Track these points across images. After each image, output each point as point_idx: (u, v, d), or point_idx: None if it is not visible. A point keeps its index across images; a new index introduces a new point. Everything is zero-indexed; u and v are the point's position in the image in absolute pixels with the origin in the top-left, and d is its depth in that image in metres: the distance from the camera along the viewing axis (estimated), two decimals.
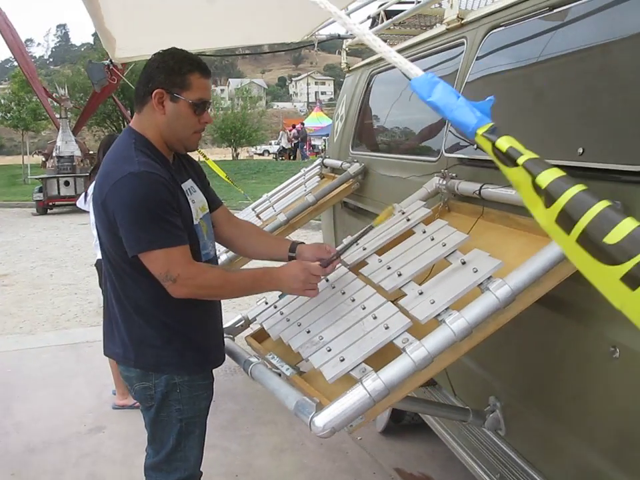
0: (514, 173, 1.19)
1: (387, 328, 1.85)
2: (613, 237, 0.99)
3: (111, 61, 5.29)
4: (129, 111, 21.97)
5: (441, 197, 2.74)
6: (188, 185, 2.29)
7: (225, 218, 2.52)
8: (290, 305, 2.44)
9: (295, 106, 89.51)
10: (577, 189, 1.08)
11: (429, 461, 3.66)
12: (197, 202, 2.29)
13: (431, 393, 3.50)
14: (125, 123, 22.59)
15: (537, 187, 1.13)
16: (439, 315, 1.76)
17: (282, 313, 2.43)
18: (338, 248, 2.37)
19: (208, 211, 2.38)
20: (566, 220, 1.08)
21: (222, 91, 77.15)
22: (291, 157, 31.33)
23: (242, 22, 4.00)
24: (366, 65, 4.54)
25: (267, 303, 2.59)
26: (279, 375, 2.23)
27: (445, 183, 2.67)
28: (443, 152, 2.81)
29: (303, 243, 2.43)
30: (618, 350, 1.75)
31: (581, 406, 2.02)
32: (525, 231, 2.16)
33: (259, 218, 4.45)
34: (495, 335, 2.47)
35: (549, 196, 1.11)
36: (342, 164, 4.39)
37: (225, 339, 2.52)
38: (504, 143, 1.21)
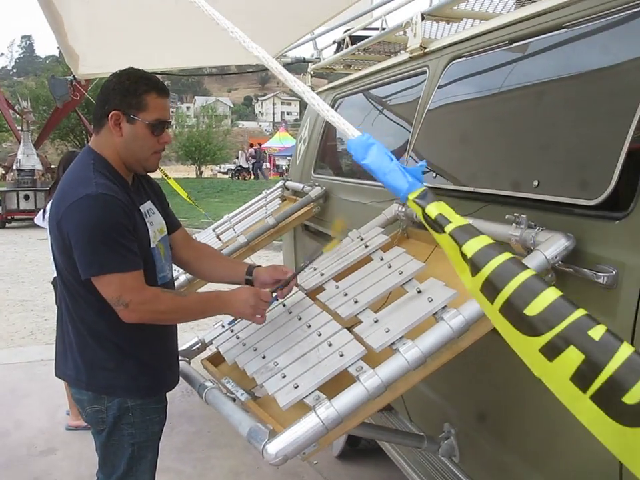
0: (442, 239, 1.20)
1: (341, 355, 1.85)
2: (534, 308, 1.02)
3: (74, 76, 5.24)
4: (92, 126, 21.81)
5: (400, 223, 2.76)
6: (147, 206, 2.27)
7: (183, 240, 2.50)
8: (246, 330, 2.42)
9: (260, 125, 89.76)
10: (502, 258, 1.09)
11: None
12: (155, 224, 2.27)
13: (387, 417, 3.50)
14: (88, 138, 22.42)
15: (463, 256, 1.15)
16: (393, 343, 1.77)
17: (238, 337, 2.41)
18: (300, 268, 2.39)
19: (166, 233, 2.36)
20: (490, 289, 1.09)
21: (188, 108, 77.11)
22: (247, 177, 31.72)
23: (207, 42, 3.99)
24: (330, 88, 4.58)
25: (223, 327, 2.57)
26: (234, 399, 2.22)
27: (403, 210, 2.69)
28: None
29: (260, 266, 2.43)
30: None
31: (528, 433, 2.05)
32: None
33: (219, 239, 4.43)
34: (449, 362, 2.52)
35: (474, 265, 1.12)
36: (303, 187, 4.40)
37: (181, 362, 2.49)
38: (433, 209, 1.22)
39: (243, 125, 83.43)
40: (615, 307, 1.63)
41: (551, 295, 1.01)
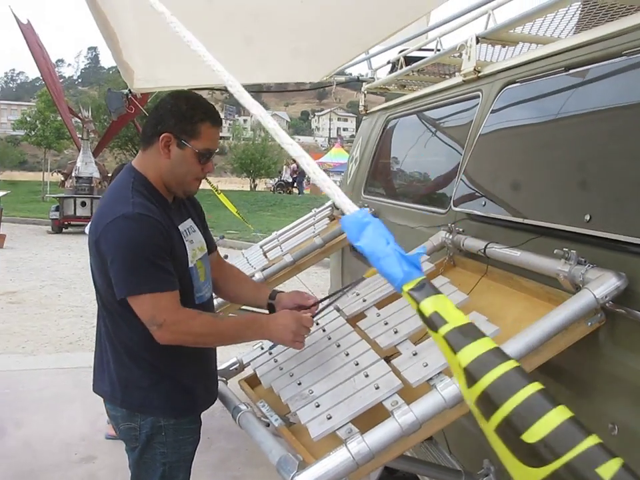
0: (437, 339, 1.03)
1: (377, 388, 1.80)
2: (535, 433, 0.85)
3: (129, 90, 5.32)
4: None
5: (447, 251, 2.69)
6: (187, 224, 2.26)
7: (216, 261, 2.51)
8: (284, 353, 2.38)
9: (316, 140, 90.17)
10: (505, 367, 0.93)
11: None
12: (196, 242, 2.27)
13: (427, 447, 3.42)
14: None
15: (458, 364, 0.98)
16: (431, 379, 1.71)
17: (276, 361, 2.38)
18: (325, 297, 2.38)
19: (206, 251, 2.35)
20: (486, 404, 0.93)
21: (245, 121, 77.95)
22: (290, 191, 32.79)
23: (262, 59, 4.00)
24: (383, 109, 4.54)
25: (262, 348, 2.54)
26: (267, 424, 2.18)
27: (451, 237, 2.63)
28: (452, 205, 2.77)
29: (282, 291, 2.41)
30: (617, 428, 1.70)
31: None
32: (527, 294, 2.12)
33: (266, 257, 4.41)
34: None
35: (469, 376, 0.96)
36: None
37: (219, 382, 2.48)
38: (428, 306, 1.05)
39: (299, 140, 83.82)
40: None
41: (556, 417, 0.86)
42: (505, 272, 2.26)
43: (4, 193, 15.48)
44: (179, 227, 2.19)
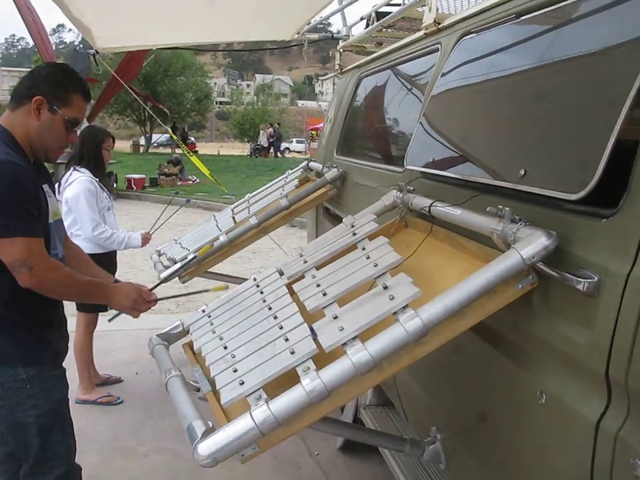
0: None
1: (292, 353, 1.69)
2: None
3: (96, 50, 5.15)
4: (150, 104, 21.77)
5: (399, 211, 2.58)
6: (45, 187, 2.33)
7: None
8: (221, 316, 2.30)
9: (319, 105, 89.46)
10: None
11: None
12: (52, 206, 2.35)
13: (387, 413, 3.35)
14: (145, 113, 22.45)
15: None
16: (345, 344, 1.60)
17: (212, 324, 2.29)
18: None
19: (61, 217, 2.49)
20: None
21: (248, 86, 77.29)
22: (266, 156, 33.02)
23: (227, 17, 3.84)
24: (355, 67, 4.38)
25: (203, 311, 2.46)
26: (198, 389, 2.10)
27: (401, 196, 2.51)
28: (405, 163, 2.64)
29: (119, 281, 2.54)
30: (545, 396, 1.59)
31: (509, 448, 1.86)
32: (467, 254, 2.00)
33: (234, 220, 4.29)
34: (436, 360, 2.34)
35: None
36: (322, 168, 4.24)
37: (157, 345, 2.40)
38: None
39: (303, 104, 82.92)
40: (594, 318, 1.43)
41: None
42: (449, 232, 2.14)
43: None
44: (43, 186, 2.29)
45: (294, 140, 47.85)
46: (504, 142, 1.96)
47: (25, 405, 2.22)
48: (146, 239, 4.51)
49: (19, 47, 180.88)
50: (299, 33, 4.53)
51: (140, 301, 2.34)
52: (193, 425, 1.64)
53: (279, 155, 33.33)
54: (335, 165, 4.07)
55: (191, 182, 20.64)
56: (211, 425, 1.63)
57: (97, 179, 4.30)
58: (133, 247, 4.50)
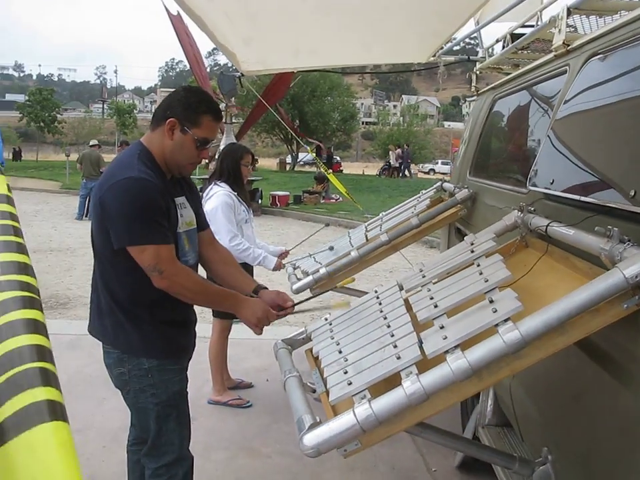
0: None
1: (398, 358, 1.79)
2: None
3: (241, 73, 5.49)
4: (297, 122, 22.47)
5: (519, 231, 2.61)
6: (180, 200, 2.54)
7: (207, 240, 2.77)
8: (340, 324, 2.44)
9: None
10: None
11: None
12: (185, 216, 2.55)
13: (505, 433, 3.34)
14: (291, 131, 23.23)
15: None
16: (447, 351, 1.68)
17: (331, 331, 2.43)
18: (298, 301, 2.65)
19: (195, 227, 2.64)
20: None
21: (394, 106, 77.66)
22: (395, 175, 33.52)
23: (364, 40, 4.01)
24: (491, 88, 4.41)
25: (326, 319, 2.61)
26: (314, 390, 2.24)
27: (522, 216, 2.54)
28: (527, 184, 2.67)
29: (267, 288, 2.66)
30: None
31: (616, 472, 1.85)
32: (579, 274, 2.02)
33: (366, 237, 4.42)
34: (550, 379, 2.35)
35: None
36: (454, 189, 4.30)
37: (281, 349, 2.57)
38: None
39: (450, 126, 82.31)
40: None
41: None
42: (564, 252, 2.17)
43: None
44: (174, 200, 2.48)
45: (439, 161, 47.61)
46: (618, 163, 1.97)
47: (146, 393, 2.48)
48: (279, 266, 4.69)
49: (177, 70, 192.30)
50: (434, 56, 4.63)
51: (264, 320, 2.47)
52: (302, 418, 1.78)
53: (407, 174, 33.82)
54: (466, 186, 4.12)
55: (334, 200, 21.07)
56: (318, 420, 1.77)
57: (236, 193, 4.56)
58: (266, 267, 4.70)
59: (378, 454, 4.00)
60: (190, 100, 2.39)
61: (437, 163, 47.07)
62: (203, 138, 2.41)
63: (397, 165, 34.05)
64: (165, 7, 14.72)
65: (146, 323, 2.44)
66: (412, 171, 34.88)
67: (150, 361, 2.46)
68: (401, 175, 33.44)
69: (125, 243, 2.29)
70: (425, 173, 44.77)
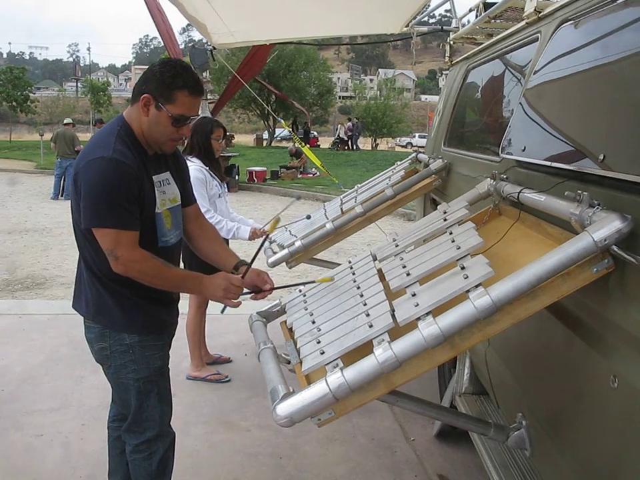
0: None
1: (370, 326, 1.79)
2: None
3: (213, 47, 5.40)
4: (273, 97, 22.21)
5: (492, 199, 2.61)
6: (163, 177, 2.49)
7: (192, 216, 2.72)
8: (314, 295, 2.43)
9: None
10: None
11: (476, 472, 3.52)
12: (168, 193, 2.49)
13: (482, 401, 3.37)
14: (270, 107, 23.10)
15: None
16: (419, 318, 1.68)
17: (305, 302, 2.42)
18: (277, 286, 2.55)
19: (179, 203, 2.56)
20: None
21: (371, 80, 77.36)
22: (346, 148, 33.89)
23: (335, 11, 3.96)
24: (464, 59, 4.40)
25: (300, 291, 2.60)
26: (288, 362, 2.23)
27: (494, 184, 2.54)
28: (499, 152, 2.67)
29: (247, 264, 2.54)
30: (617, 381, 1.61)
31: (587, 434, 1.87)
32: (551, 240, 2.02)
33: (341, 209, 4.41)
34: (522, 345, 2.36)
35: None
36: (428, 159, 4.29)
37: (255, 321, 2.56)
38: None
39: (427, 99, 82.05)
40: None
41: None
42: (537, 219, 2.17)
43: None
44: (154, 177, 2.42)
45: (416, 135, 47.62)
46: (588, 129, 1.97)
47: (127, 368, 2.46)
48: (255, 234, 4.64)
49: (152, 47, 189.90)
50: (407, 26, 4.59)
51: (231, 289, 2.38)
52: (276, 388, 1.78)
53: (354, 147, 34.35)
54: (440, 156, 4.11)
55: (312, 175, 21.03)
56: (292, 390, 1.76)
57: (207, 168, 4.51)
58: (241, 239, 4.67)
59: (357, 425, 4.03)
60: (164, 75, 2.28)
61: (415, 137, 47.09)
62: (178, 115, 2.30)
63: (346, 138, 34.48)
64: None
65: (127, 298, 2.41)
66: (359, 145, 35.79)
67: (131, 336, 2.44)
68: (352, 147, 34.07)
69: (88, 224, 2.27)
70: (402, 146, 44.77)
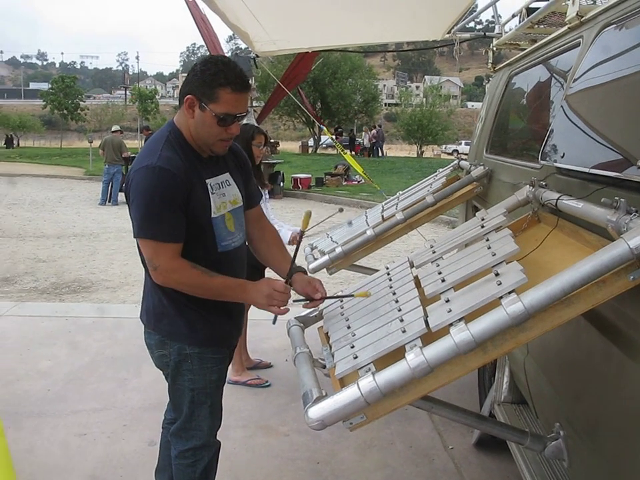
0: None
1: (403, 332, 1.79)
2: None
3: (256, 54, 5.45)
4: (319, 104, 22.24)
5: (531, 206, 2.59)
6: (221, 178, 2.44)
7: (255, 218, 2.69)
8: (351, 300, 2.44)
9: None
10: None
11: None
12: (228, 195, 2.45)
13: (520, 410, 3.34)
14: (310, 115, 23.17)
15: None
16: (451, 324, 1.68)
17: (342, 307, 2.44)
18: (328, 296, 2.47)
19: (240, 204, 2.51)
20: None
21: (417, 87, 77.07)
22: (370, 155, 33.91)
23: (377, 18, 3.98)
24: (507, 64, 4.36)
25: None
26: (324, 366, 2.24)
27: (533, 191, 2.52)
28: (539, 158, 2.65)
29: (304, 271, 2.52)
30: None
31: (626, 446, 1.84)
32: (590, 248, 2.00)
33: (382, 216, 4.40)
34: (562, 354, 2.34)
35: None
36: (470, 166, 4.27)
37: (294, 326, 2.57)
38: None
39: (473, 106, 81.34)
40: None
41: None
42: (575, 226, 2.15)
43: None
44: (208, 181, 2.36)
45: (463, 142, 47.20)
46: (626, 135, 1.94)
47: (184, 377, 2.46)
48: (294, 239, 4.68)
49: (199, 54, 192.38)
50: (449, 32, 4.57)
51: (274, 295, 2.30)
52: (309, 391, 1.79)
53: (379, 154, 34.42)
54: (482, 163, 4.09)
55: (356, 182, 21.04)
56: (324, 394, 1.78)
57: None
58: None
59: (395, 432, 4.02)
60: (205, 73, 2.21)
61: (461, 144, 46.66)
62: (223, 113, 2.22)
63: (369, 146, 34.65)
64: None
65: (189, 308, 2.39)
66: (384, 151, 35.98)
67: (192, 347, 2.43)
68: (377, 154, 34.20)
69: (134, 234, 2.29)
70: (448, 153, 44.42)
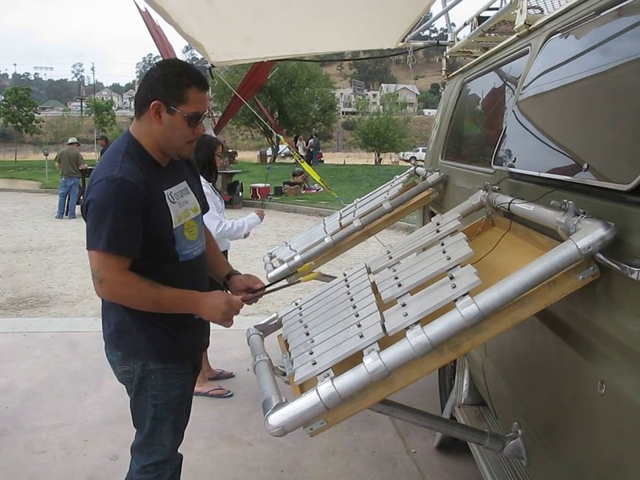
0: None
1: (361, 336, 1.82)
2: None
3: (211, 64, 5.45)
4: (276, 114, 22.24)
5: (485, 210, 2.64)
6: (180, 187, 2.41)
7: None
8: (310, 308, 2.45)
9: None
10: None
11: None
12: (190, 203, 2.43)
13: (480, 412, 3.38)
14: (269, 125, 23.20)
15: None
16: (407, 328, 1.70)
17: (300, 314, 2.45)
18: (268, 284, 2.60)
19: (200, 212, 2.52)
20: None
21: (374, 95, 77.64)
22: (310, 162, 33.34)
23: (331, 27, 4.01)
24: (460, 72, 4.44)
25: (296, 304, 2.63)
26: (284, 374, 2.25)
27: (487, 195, 2.57)
28: (492, 163, 2.70)
29: (239, 273, 2.62)
30: (605, 387, 1.62)
31: (578, 442, 1.88)
32: (542, 249, 2.04)
33: (340, 223, 4.43)
34: (517, 355, 2.38)
35: None
36: (425, 172, 4.32)
37: (253, 335, 2.58)
38: None
39: (429, 113, 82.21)
40: None
41: None
42: (526, 228, 2.20)
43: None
44: (167, 191, 2.32)
45: (420, 149, 47.64)
46: (573, 139, 2.00)
47: (147, 392, 2.39)
48: (261, 213, 4.82)
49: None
50: (403, 41, 4.63)
51: (230, 312, 2.32)
52: (269, 399, 1.80)
53: (318, 161, 33.98)
54: (437, 169, 4.15)
55: (315, 191, 21.07)
56: (285, 400, 1.78)
57: (211, 184, 4.58)
58: (256, 225, 4.75)
59: (358, 438, 4.04)
60: (168, 76, 2.19)
61: (418, 151, 47.08)
62: (193, 113, 2.21)
63: (305, 154, 34.54)
64: (135, 3, 14.61)
65: (152, 323, 2.33)
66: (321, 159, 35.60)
67: (155, 363, 2.37)
68: (317, 161, 33.93)
69: (86, 245, 2.21)
70: (406, 160, 44.72)
